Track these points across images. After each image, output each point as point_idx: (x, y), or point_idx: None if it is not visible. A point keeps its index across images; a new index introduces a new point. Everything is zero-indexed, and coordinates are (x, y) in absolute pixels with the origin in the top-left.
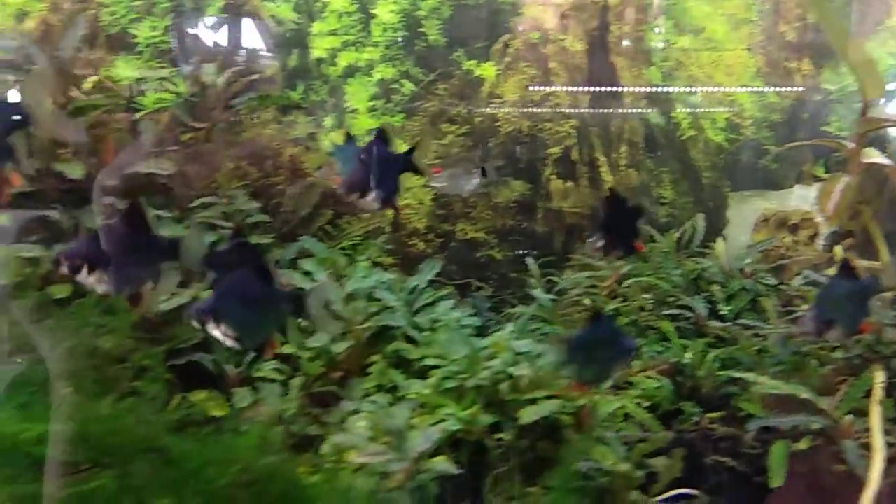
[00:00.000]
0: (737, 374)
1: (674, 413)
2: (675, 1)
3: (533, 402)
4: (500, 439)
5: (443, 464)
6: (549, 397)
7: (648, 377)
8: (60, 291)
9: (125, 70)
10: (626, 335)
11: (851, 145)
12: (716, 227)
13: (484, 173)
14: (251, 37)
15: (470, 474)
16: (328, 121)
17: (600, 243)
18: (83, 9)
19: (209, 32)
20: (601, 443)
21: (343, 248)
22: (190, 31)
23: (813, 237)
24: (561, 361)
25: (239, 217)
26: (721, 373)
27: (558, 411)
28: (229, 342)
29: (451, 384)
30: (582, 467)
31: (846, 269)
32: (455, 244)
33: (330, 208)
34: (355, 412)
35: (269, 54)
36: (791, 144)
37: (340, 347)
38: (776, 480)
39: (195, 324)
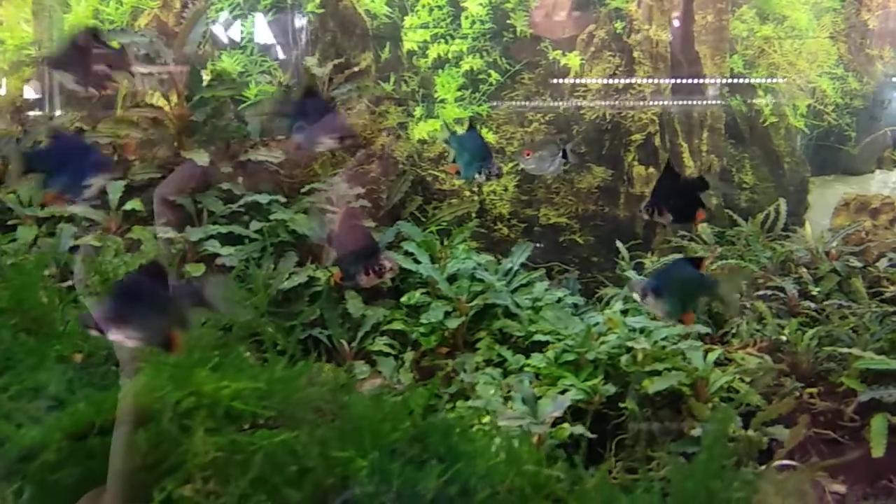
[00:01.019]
0: (842, 350)
1: (775, 386)
2: None
3: (654, 373)
4: (622, 408)
5: (578, 427)
6: (670, 369)
7: (750, 354)
8: (196, 270)
9: (230, 64)
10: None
11: None
12: (797, 212)
13: (565, 156)
14: (346, 30)
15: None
16: (418, 111)
17: (648, 212)
18: (204, 7)
19: (306, 26)
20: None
21: (432, 232)
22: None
23: (893, 221)
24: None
25: (341, 202)
26: (825, 349)
27: (680, 382)
28: (131, 343)
29: (569, 357)
30: (697, 432)
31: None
32: (538, 229)
33: (419, 195)
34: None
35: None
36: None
37: (453, 323)
38: (877, 451)
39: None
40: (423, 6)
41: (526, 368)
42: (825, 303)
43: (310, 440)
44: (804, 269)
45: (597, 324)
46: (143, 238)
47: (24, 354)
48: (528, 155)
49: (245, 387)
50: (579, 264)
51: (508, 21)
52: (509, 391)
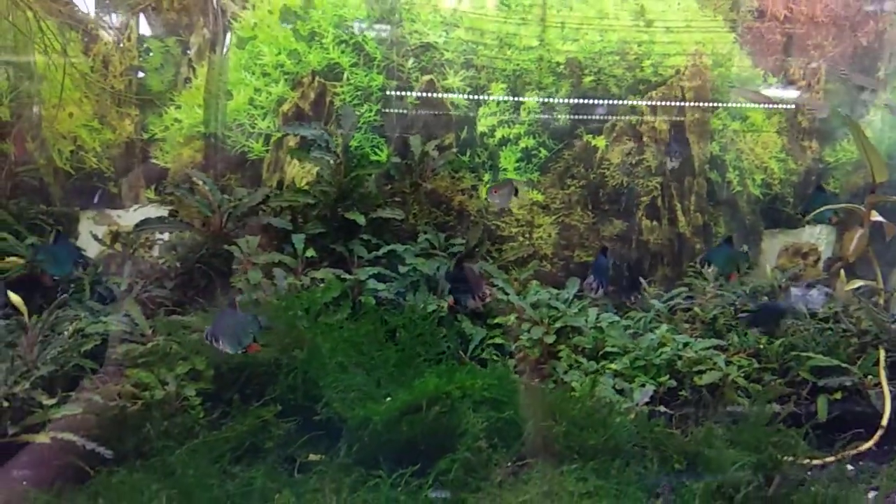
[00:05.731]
0: (803, 354)
1: (757, 381)
2: (729, 98)
3: (700, 372)
4: (680, 395)
5: (661, 407)
6: (709, 369)
7: (741, 358)
8: (369, 301)
9: (358, 140)
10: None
11: (863, 209)
12: (754, 255)
13: (516, 192)
14: (436, 115)
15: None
16: (486, 176)
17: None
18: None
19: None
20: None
21: (501, 267)
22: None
23: (816, 261)
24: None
25: (441, 247)
26: (792, 353)
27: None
28: None
29: (640, 363)
30: (730, 409)
31: (729, 241)
32: (573, 266)
33: (487, 241)
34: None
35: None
36: (825, 207)
37: (550, 339)
38: (822, 416)
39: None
40: (493, 100)
41: (607, 370)
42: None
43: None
44: (766, 298)
45: (652, 339)
46: (326, 277)
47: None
48: (495, 192)
49: (488, 382)
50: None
51: (554, 112)
52: (594, 385)
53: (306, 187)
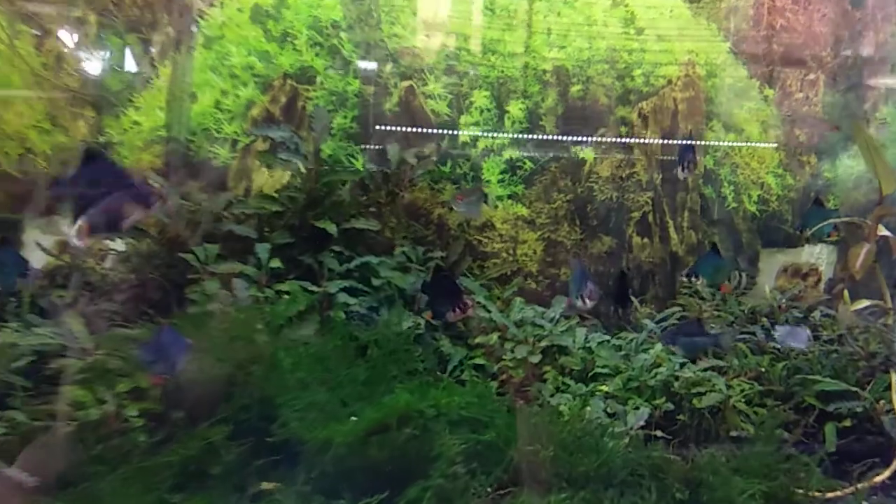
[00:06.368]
0: (810, 378)
1: (760, 406)
2: (724, 109)
3: (698, 394)
4: (677, 419)
5: (658, 432)
6: (709, 391)
7: (743, 381)
8: (339, 316)
9: (328, 148)
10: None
11: (870, 223)
12: (751, 274)
13: (486, 200)
14: (416, 124)
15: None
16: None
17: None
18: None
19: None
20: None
21: (484, 285)
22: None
23: (817, 282)
24: None
25: (419, 261)
26: (796, 377)
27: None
28: None
29: (634, 384)
30: (734, 434)
31: (715, 250)
32: (559, 284)
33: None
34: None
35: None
36: (826, 222)
37: (535, 358)
38: (830, 448)
39: None
40: (476, 108)
41: (597, 392)
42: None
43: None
44: (765, 319)
45: (645, 359)
46: (292, 289)
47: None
48: (459, 199)
49: (466, 400)
50: (593, 314)
51: (540, 122)
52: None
53: (274, 194)
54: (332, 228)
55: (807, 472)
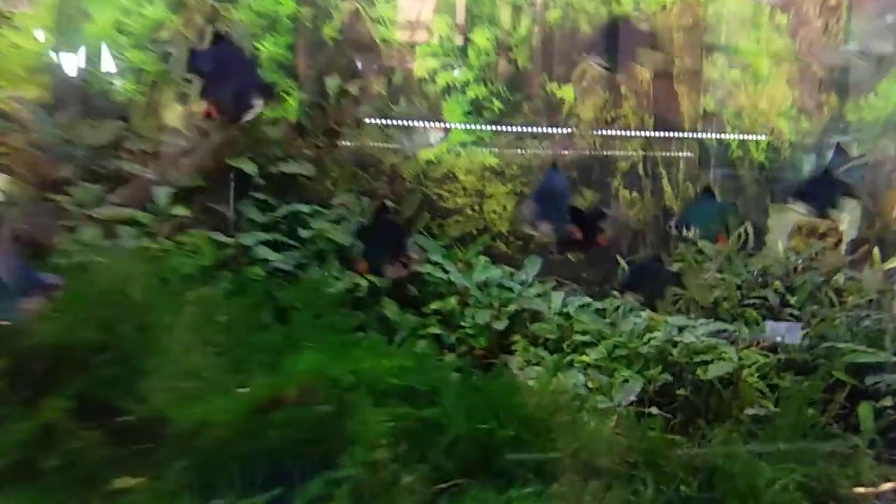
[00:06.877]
0: (839, 346)
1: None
2: (728, 39)
3: (702, 363)
4: (679, 395)
5: (654, 409)
6: (717, 359)
7: (754, 352)
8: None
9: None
10: None
11: None
12: (758, 233)
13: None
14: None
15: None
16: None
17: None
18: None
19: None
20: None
21: (445, 246)
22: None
23: (837, 244)
24: None
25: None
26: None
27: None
28: None
29: (622, 352)
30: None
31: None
32: (533, 246)
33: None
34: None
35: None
36: (856, 161)
37: (499, 325)
38: (869, 433)
39: None
40: (435, 37)
41: (577, 364)
42: (805, 310)
43: (455, 414)
44: (778, 282)
45: (636, 323)
46: (198, 241)
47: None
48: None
49: (397, 364)
50: (572, 279)
51: (511, 55)
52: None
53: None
54: (250, 168)
55: (856, 457)
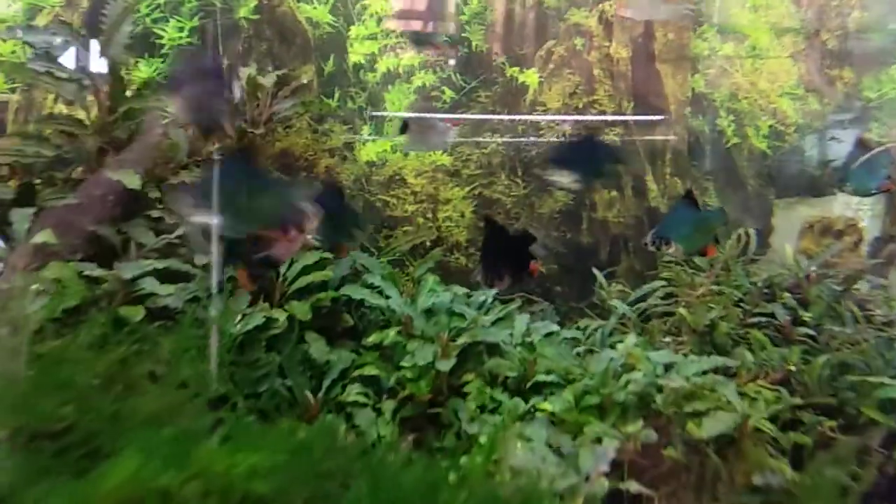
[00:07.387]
0: (869, 380)
1: (793, 422)
2: (720, 9)
3: (696, 414)
4: (663, 458)
5: (633, 484)
6: (713, 409)
7: (763, 387)
8: (134, 313)
9: (146, 72)
10: None
11: None
12: (762, 234)
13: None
14: (285, 39)
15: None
16: (366, 129)
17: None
18: (133, 4)
19: (238, 33)
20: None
21: (389, 263)
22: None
23: (857, 243)
24: None
25: None
26: (848, 377)
27: (734, 425)
28: None
29: (593, 400)
30: (759, 480)
31: (690, 198)
32: None
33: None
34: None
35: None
36: (872, 153)
37: (444, 366)
38: None
39: None
40: (371, 15)
41: (539, 414)
42: (821, 328)
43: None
44: (787, 294)
45: (611, 359)
46: (64, 276)
47: None
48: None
49: (267, 459)
50: (542, 294)
51: (463, 34)
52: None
53: (46, 133)
54: (133, 182)
55: None
